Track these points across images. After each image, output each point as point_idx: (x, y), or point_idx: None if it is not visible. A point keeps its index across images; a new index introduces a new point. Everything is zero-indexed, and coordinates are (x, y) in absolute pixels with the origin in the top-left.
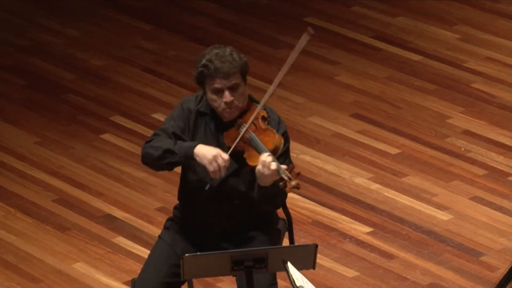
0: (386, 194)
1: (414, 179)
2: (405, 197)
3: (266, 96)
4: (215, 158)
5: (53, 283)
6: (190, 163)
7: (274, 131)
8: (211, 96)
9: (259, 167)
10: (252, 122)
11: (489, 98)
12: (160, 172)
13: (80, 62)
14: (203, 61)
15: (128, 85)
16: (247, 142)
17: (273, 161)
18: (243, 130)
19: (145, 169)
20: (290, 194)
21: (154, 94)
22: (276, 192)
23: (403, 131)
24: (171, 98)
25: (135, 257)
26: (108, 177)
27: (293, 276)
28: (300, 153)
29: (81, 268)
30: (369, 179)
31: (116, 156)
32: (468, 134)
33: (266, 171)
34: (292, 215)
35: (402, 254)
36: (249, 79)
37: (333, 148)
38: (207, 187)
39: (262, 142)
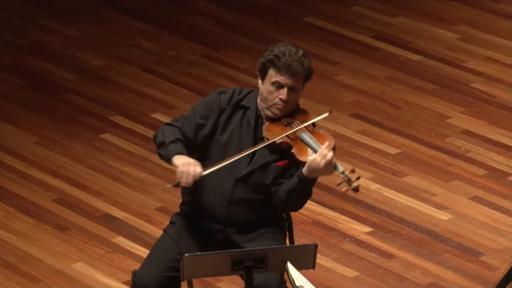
0: (385, 194)
1: (413, 179)
2: (405, 197)
3: (321, 117)
4: (189, 164)
5: (53, 283)
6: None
7: (329, 135)
8: (269, 87)
9: (316, 157)
10: (304, 125)
11: (489, 98)
12: (160, 172)
13: (80, 62)
14: (276, 51)
15: (128, 85)
16: (297, 139)
17: (333, 156)
18: (296, 127)
19: (144, 169)
20: None
21: (154, 94)
22: (310, 191)
23: (403, 131)
24: (171, 98)
25: (135, 257)
26: (107, 177)
27: (293, 276)
28: None
29: (80, 268)
30: (368, 179)
31: (115, 156)
32: (468, 134)
33: (323, 162)
34: (291, 215)
35: (401, 254)
36: (249, 78)
37: None
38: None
39: (317, 141)
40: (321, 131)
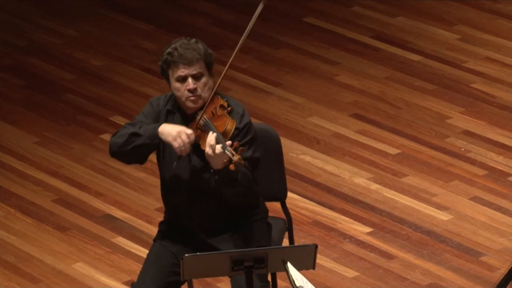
0: (385, 194)
1: (413, 179)
2: (405, 197)
3: (221, 77)
4: (179, 134)
5: (53, 283)
6: (155, 144)
7: (228, 116)
8: (175, 85)
9: (206, 149)
10: (211, 111)
11: (489, 98)
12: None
13: (79, 62)
14: (168, 50)
15: (127, 85)
16: (203, 129)
17: (217, 139)
18: (198, 117)
19: (144, 169)
20: (290, 194)
21: (153, 94)
22: (232, 176)
23: (403, 131)
24: None
25: (135, 257)
26: (107, 177)
27: (293, 276)
28: (300, 153)
29: (80, 268)
30: (368, 179)
31: None
32: (468, 134)
33: (210, 152)
34: (291, 215)
35: (402, 254)
36: (249, 78)
37: (332, 148)
38: (174, 165)
39: (214, 126)
40: (225, 111)
